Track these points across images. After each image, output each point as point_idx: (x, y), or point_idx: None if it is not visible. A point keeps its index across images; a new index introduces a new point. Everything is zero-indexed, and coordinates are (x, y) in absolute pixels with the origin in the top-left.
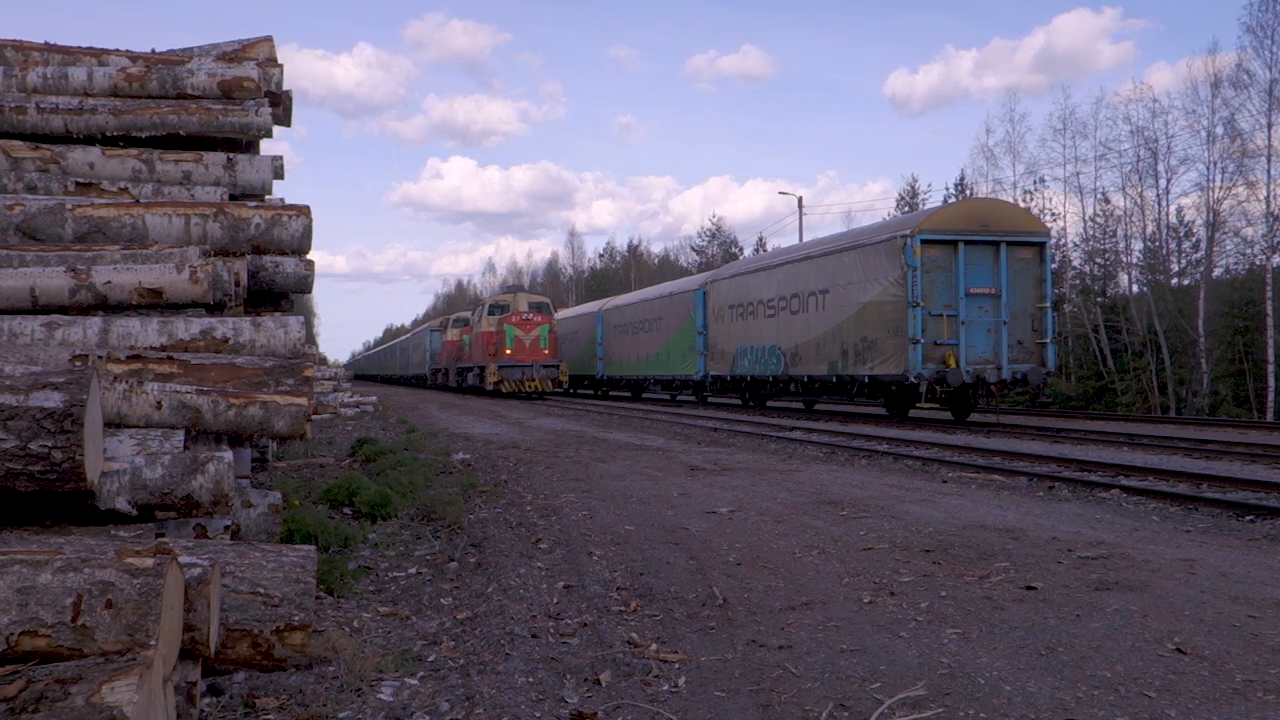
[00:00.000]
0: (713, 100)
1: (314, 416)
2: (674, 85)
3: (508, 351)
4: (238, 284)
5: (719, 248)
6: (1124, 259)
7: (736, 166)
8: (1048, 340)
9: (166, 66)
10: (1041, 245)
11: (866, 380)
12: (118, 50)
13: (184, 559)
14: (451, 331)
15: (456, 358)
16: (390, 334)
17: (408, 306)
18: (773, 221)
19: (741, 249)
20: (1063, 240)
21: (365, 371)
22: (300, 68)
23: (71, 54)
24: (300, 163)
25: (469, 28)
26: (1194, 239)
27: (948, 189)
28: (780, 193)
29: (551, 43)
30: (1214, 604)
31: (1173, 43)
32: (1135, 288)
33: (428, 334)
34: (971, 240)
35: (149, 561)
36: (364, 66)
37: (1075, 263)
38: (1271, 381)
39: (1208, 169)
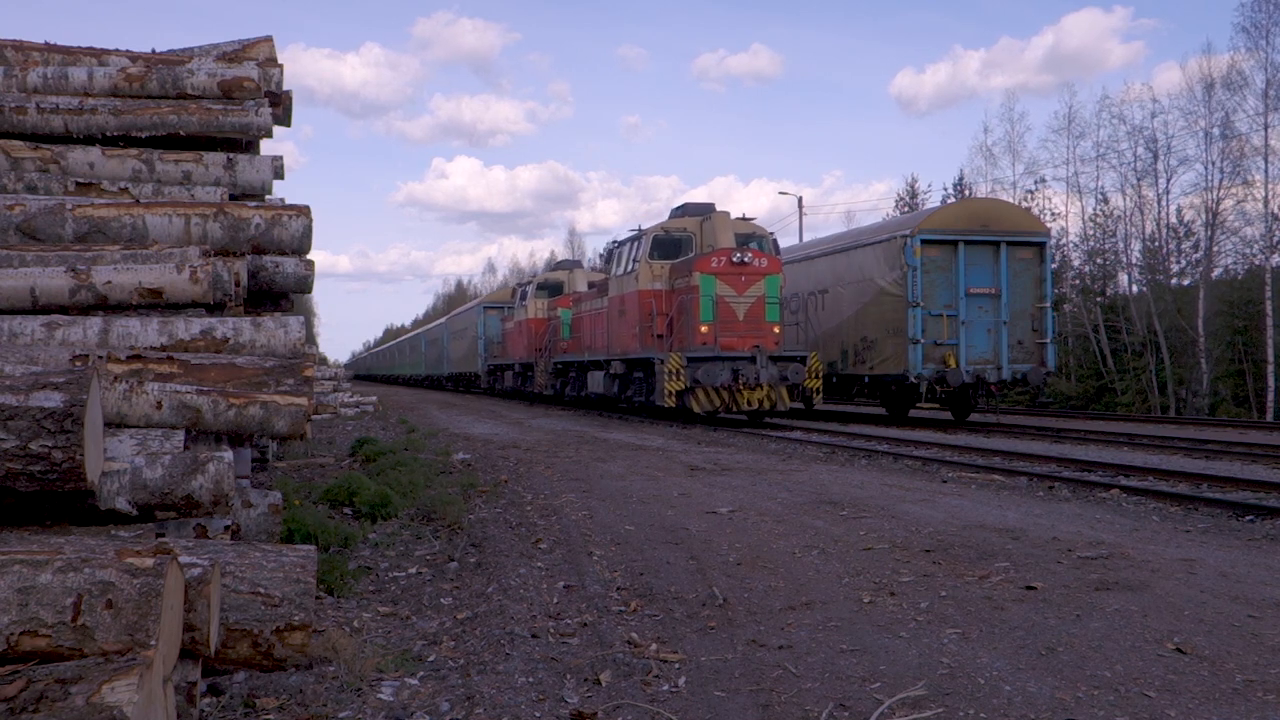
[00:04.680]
0: (720, 100)
1: (314, 416)
2: (682, 85)
3: (703, 329)
4: (238, 284)
5: None
6: (1124, 259)
7: (742, 166)
8: (1048, 340)
9: (166, 66)
10: (1041, 245)
11: (867, 380)
12: (118, 50)
13: (184, 559)
14: (535, 304)
15: (548, 346)
16: (390, 334)
17: (408, 307)
18: (777, 221)
19: None
20: (1063, 240)
21: (372, 371)
22: (307, 67)
23: (71, 54)
24: (306, 163)
25: (478, 26)
26: (1194, 239)
27: (946, 189)
28: (780, 193)
29: (560, 42)
30: (1214, 604)
31: (1184, 43)
32: (1135, 288)
33: (479, 314)
34: (972, 240)
35: (149, 561)
36: (371, 66)
37: (1075, 263)
38: (1271, 381)
39: (1206, 169)
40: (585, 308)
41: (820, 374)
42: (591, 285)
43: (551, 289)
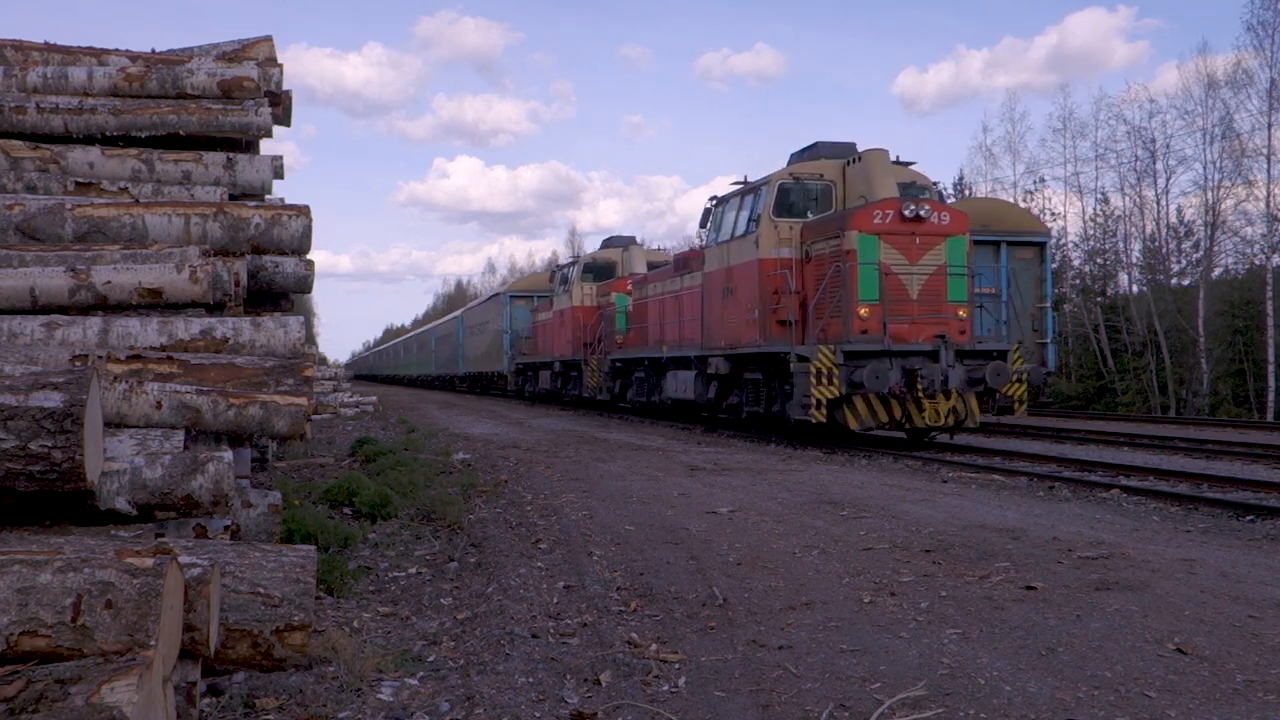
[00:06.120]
0: (723, 99)
1: (314, 416)
2: (685, 84)
3: (862, 312)
4: (238, 284)
5: None
6: (1124, 259)
7: (744, 166)
8: (1048, 340)
9: (166, 66)
10: (1042, 245)
11: None
12: (118, 50)
13: (184, 559)
14: (582, 290)
15: (600, 341)
16: (390, 333)
17: (408, 307)
18: None
19: None
20: (1063, 240)
21: (375, 371)
22: (309, 66)
23: (71, 54)
24: (307, 162)
25: (481, 25)
26: (1194, 239)
27: (946, 189)
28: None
29: (563, 42)
30: (1214, 604)
31: (1188, 42)
32: (1135, 288)
33: (504, 305)
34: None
35: (149, 561)
36: (373, 65)
37: (1075, 263)
38: (1272, 381)
39: (1205, 169)
40: (655, 290)
41: (1025, 375)
42: (652, 266)
43: (600, 271)
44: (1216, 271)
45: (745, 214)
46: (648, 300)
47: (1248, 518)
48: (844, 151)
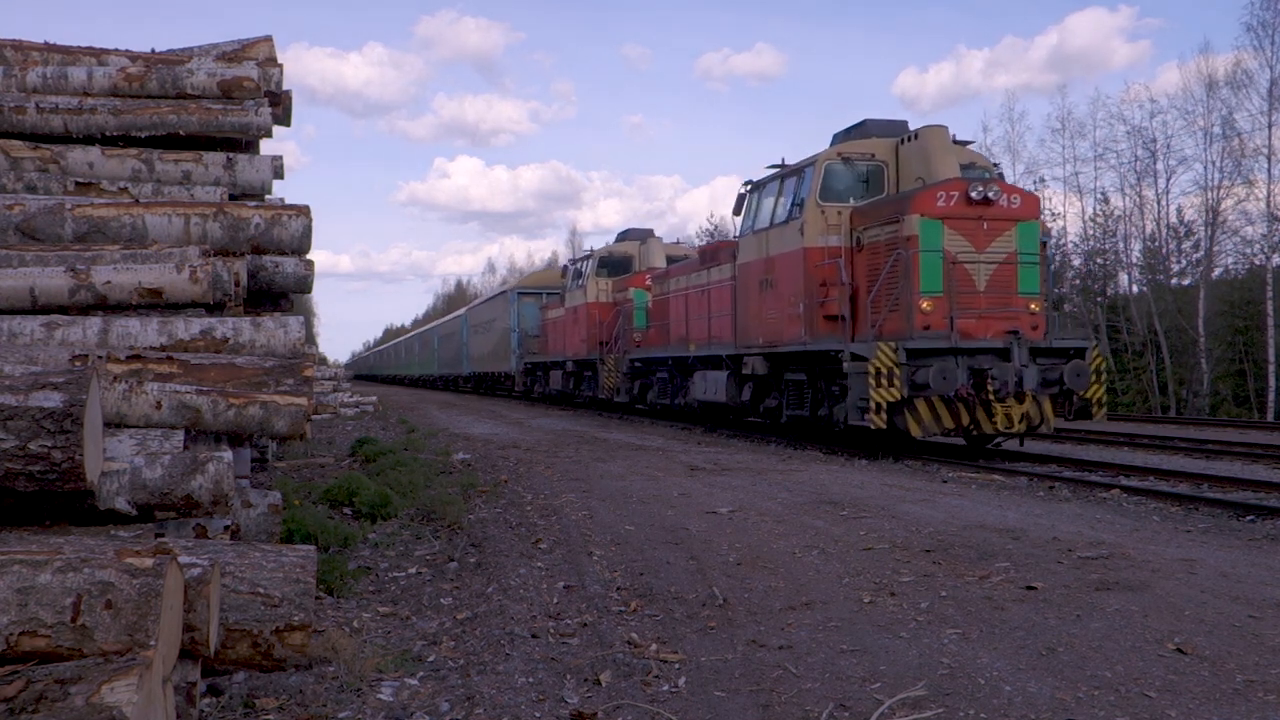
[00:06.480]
0: (723, 99)
1: (314, 416)
2: (685, 84)
3: (924, 305)
4: (238, 284)
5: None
6: (1124, 259)
7: (745, 166)
8: None
9: (166, 66)
10: (1043, 245)
11: None
12: (117, 50)
13: (184, 559)
14: (597, 285)
15: (617, 339)
16: (390, 333)
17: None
18: None
19: None
20: (1063, 240)
21: (375, 371)
22: (310, 66)
23: (71, 54)
24: (308, 162)
25: (481, 25)
26: (1194, 239)
27: None
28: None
29: (564, 42)
30: (1214, 604)
31: (1189, 42)
32: (1135, 288)
33: (511, 302)
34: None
35: (149, 561)
36: (374, 65)
37: (1075, 263)
38: (1272, 381)
39: (1205, 169)
40: (678, 285)
41: (1105, 375)
42: (672, 260)
43: (616, 265)
44: (1216, 271)
45: (787, 199)
46: (669, 296)
47: (1248, 518)
48: (895, 130)
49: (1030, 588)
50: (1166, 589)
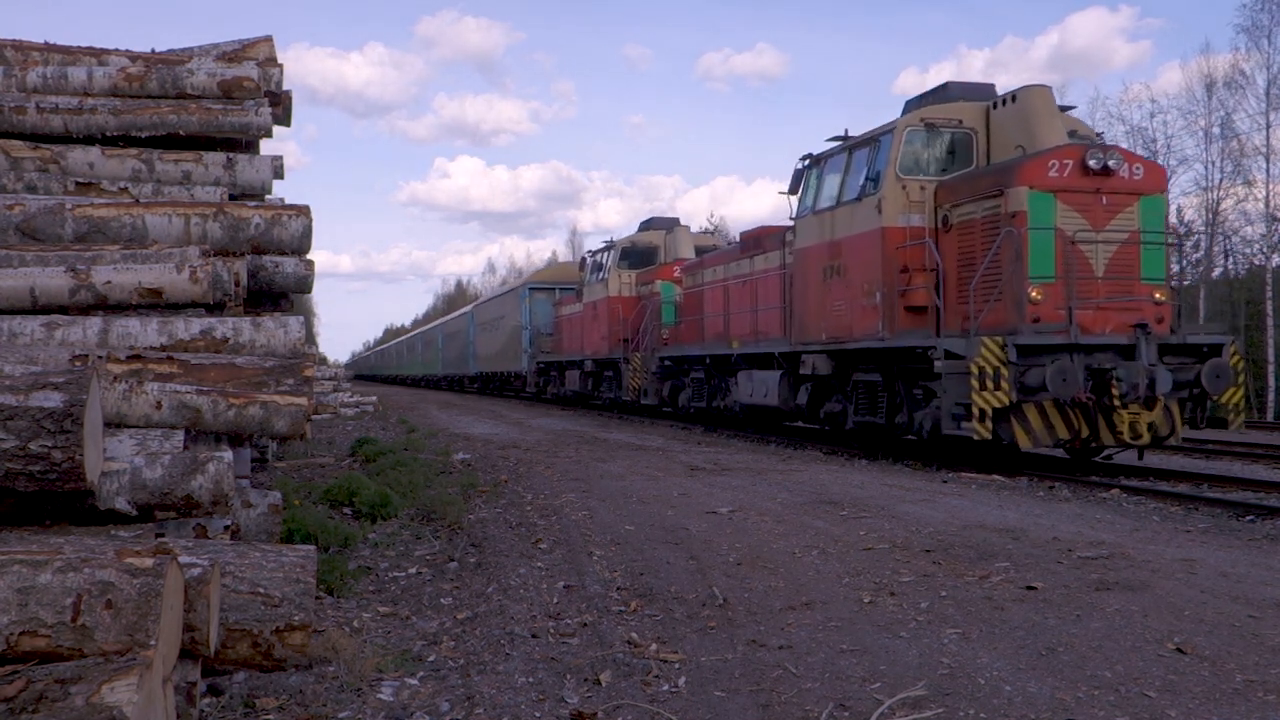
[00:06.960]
0: (724, 99)
1: (314, 416)
2: (686, 84)
3: (1034, 294)
4: (238, 284)
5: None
6: None
7: (745, 166)
8: None
9: (166, 66)
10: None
11: None
12: (118, 50)
13: (184, 559)
14: (619, 278)
15: (643, 336)
16: (390, 333)
17: (409, 307)
18: (782, 221)
19: None
20: None
21: (376, 371)
22: (310, 66)
23: (71, 54)
24: (309, 162)
25: (482, 25)
26: (1194, 239)
27: None
28: (781, 193)
29: (565, 42)
30: (1214, 604)
31: (1191, 42)
32: None
33: (522, 298)
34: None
35: (149, 561)
36: (375, 65)
37: None
38: (1272, 381)
39: (1205, 169)
40: (713, 276)
41: (1244, 377)
42: (701, 250)
43: (639, 257)
44: (1216, 271)
45: (858, 173)
46: (703, 288)
47: (1248, 518)
48: (982, 93)
49: (1030, 588)
50: (1166, 589)
